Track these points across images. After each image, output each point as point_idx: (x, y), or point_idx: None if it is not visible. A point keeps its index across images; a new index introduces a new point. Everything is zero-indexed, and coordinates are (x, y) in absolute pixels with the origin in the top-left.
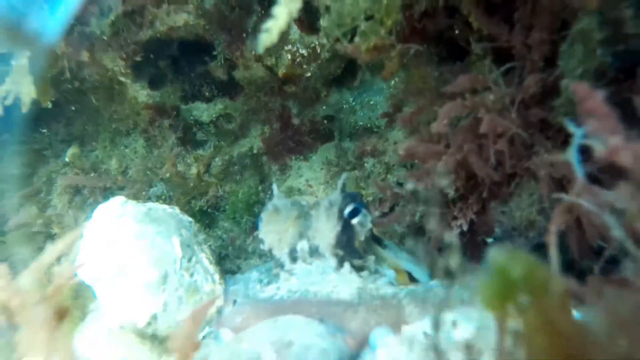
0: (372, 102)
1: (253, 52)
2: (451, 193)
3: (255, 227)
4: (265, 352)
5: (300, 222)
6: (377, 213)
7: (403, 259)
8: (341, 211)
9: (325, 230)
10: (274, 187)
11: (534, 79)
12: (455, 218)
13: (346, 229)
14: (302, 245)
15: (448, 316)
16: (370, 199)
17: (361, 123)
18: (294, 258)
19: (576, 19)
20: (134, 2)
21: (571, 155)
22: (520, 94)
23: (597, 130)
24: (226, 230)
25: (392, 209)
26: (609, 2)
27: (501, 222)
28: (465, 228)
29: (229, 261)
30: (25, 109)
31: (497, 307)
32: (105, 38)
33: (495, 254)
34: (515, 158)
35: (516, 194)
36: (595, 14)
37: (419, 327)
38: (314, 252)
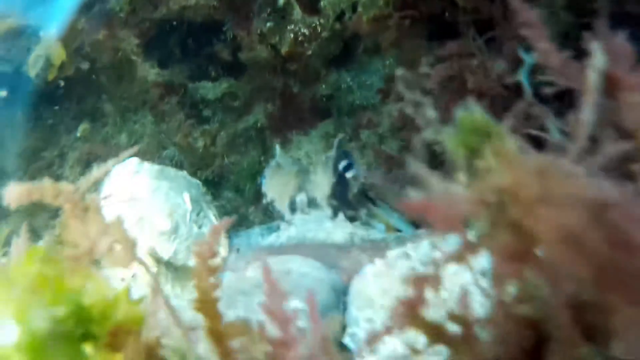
0: (368, 83)
1: (258, 32)
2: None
3: (258, 192)
4: None
5: (300, 176)
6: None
7: (394, 217)
8: (336, 165)
9: (322, 183)
10: (277, 147)
11: (510, 46)
12: None
13: (341, 182)
14: (301, 197)
15: (427, 240)
16: (365, 167)
17: (358, 102)
18: (293, 209)
19: None
20: None
21: (522, 75)
22: (500, 59)
23: (529, 37)
24: (230, 200)
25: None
26: None
27: None
28: None
29: (232, 229)
30: (52, 75)
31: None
32: (122, 15)
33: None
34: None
35: None
36: None
37: (401, 250)
38: (311, 203)
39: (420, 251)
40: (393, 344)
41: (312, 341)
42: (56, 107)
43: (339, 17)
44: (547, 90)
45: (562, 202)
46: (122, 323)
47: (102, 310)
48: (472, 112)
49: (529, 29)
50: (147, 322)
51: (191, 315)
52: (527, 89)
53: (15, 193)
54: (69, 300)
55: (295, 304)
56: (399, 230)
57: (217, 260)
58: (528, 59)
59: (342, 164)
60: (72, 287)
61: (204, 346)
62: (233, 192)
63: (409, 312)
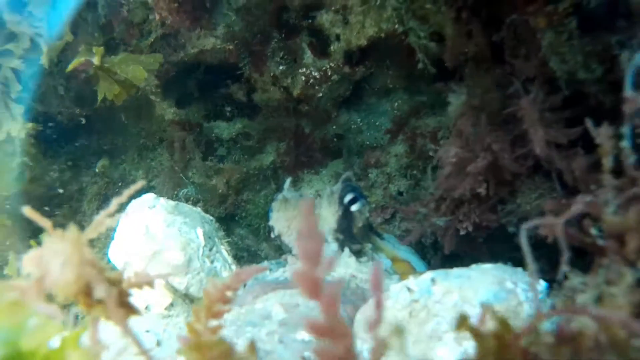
0: (377, 123)
1: (272, 74)
2: (483, 192)
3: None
4: (275, 309)
5: None
6: (379, 219)
7: (401, 250)
8: (341, 198)
9: (328, 216)
10: (287, 181)
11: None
12: (460, 221)
13: (346, 215)
14: None
15: (427, 275)
16: (373, 206)
17: (367, 142)
18: None
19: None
20: (172, 26)
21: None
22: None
23: None
24: (242, 237)
25: (393, 215)
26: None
27: (510, 220)
28: (470, 229)
29: (242, 263)
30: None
31: None
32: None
33: None
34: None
35: (519, 191)
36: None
37: (402, 284)
38: None
39: (421, 285)
40: None
41: None
42: (77, 144)
43: (348, 61)
44: None
45: None
46: None
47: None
48: None
49: None
50: None
51: None
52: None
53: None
54: (5, 341)
55: (302, 335)
56: (406, 262)
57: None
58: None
59: (348, 198)
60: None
61: None
62: (245, 229)
63: None
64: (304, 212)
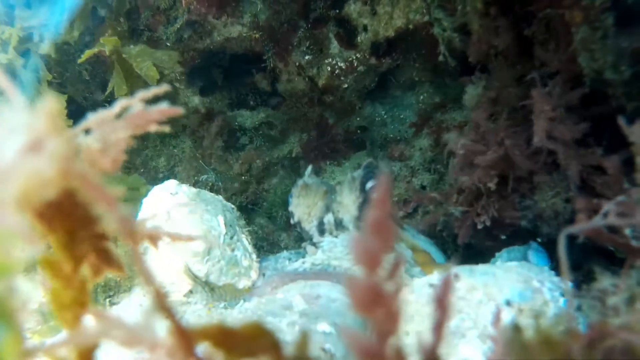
0: (402, 116)
1: (297, 64)
2: (492, 187)
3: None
4: (295, 300)
5: (327, 197)
6: (401, 213)
7: (421, 241)
8: (363, 184)
9: (349, 203)
10: (308, 168)
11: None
12: (478, 215)
13: (368, 202)
14: (329, 218)
15: (451, 271)
16: (395, 199)
17: (391, 135)
18: (322, 230)
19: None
20: (198, 12)
21: None
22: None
23: None
24: (262, 226)
25: (415, 210)
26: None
27: (525, 215)
28: (488, 224)
29: (262, 253)
30: None
31: None
32: (169, 44)
33: None
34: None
35: (538, 188)
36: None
37: (425, 279)
38: (339, 224)
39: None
40: None
41: None
42: None
43: (375, 52)
44: None
45: None
46: None
47: None
48: None
49: None
50: None
51: None
52: None
53: None
54: None
55: (323, 327)
56: (426, 253)
57: None
58: None
59: (370, 184)
60: None
61: None
62: (265, 219)
63: None
64: (378, 197)
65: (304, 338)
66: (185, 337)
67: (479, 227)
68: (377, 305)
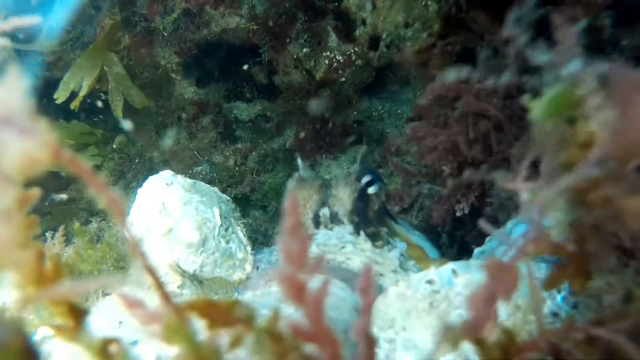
0: (399, 111)
1: (294, 57)
2: (447, 171)
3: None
4: None
5: (322, 190)
6: (397, 208)
7: (415, 235)
8: (358, 180)
9: (344, 197)
10: (299, 160)
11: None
12: (458, 202)
13: (362, 197)
14: (324, 212)
15: (448, 266)
16: (391, 193)
17: (388, 130)
18: (317, 223)
19: None
20: (195, 2)
21: None
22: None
23: None
24: (256, 218)
25: (411, 205)
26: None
27: (492, 202)
28: (466, 211)
29: (257, 245)
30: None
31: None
32: (165, 34)
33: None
34: (505, 144)
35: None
36: None
37: (422, 274)
38: (334, 218)
39: (442, 276)
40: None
41: None
42: (95, 119)
43: (373, 46)
44: None
45: None
46: None
47: None
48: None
49: None
50: None
51: None
52: None
53: None
54: None
55: None
56: (420, 248)
57: None
58: None
59: (365, 179)
60: None
61: None
62: (260, 211)
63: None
64: (288, 207)
65: (275, 314)
66: (177, 308)
67: (458, 214)
68: (302, 295)
